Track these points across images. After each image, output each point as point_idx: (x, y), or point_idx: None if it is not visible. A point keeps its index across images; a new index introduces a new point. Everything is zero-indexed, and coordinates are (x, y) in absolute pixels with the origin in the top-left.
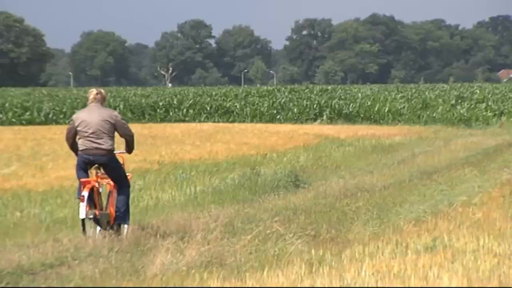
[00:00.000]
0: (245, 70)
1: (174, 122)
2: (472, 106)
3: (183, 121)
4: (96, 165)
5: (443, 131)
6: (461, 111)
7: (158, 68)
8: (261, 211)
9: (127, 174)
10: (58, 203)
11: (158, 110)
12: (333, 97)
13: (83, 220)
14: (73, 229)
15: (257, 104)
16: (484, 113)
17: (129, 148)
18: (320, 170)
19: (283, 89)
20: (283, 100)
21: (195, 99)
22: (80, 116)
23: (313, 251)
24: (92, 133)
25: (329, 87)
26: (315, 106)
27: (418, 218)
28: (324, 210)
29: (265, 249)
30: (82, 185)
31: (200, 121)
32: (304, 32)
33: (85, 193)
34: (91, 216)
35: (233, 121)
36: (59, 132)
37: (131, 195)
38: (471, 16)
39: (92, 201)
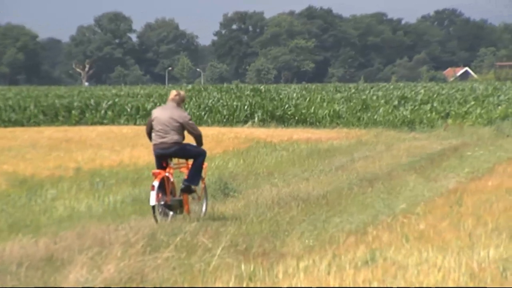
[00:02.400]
0: (170, 68)
1: (90, 125)
2: (416, 107)
3: (101, 123)
4: (168, 157)
5: (385, 135)
6: (404, 113)
7: (74, 66)
8: (187, 222)
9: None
10: None
11: (73, 111)
12: (266, 98)
13: (153, 206)
14: None
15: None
16: (428, 115)
17: (197, 143)
18: (251, 177)
19: (211, 88)
20: (211, 101)
21: (114, 100)
22: (156, 113)
23: (243, 266)
24: (160, 128)
25: (261, 87)
26: (246, 107)
27: (357, 229)
28: (255, 221)
29: (190, 264)
30: (153, 176)
31: (119, 124)
32: (234, 26)
33: (155, 182)
34: (162, 203)
35: None
36: None
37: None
38: (414, 10)
39: (164, 190)
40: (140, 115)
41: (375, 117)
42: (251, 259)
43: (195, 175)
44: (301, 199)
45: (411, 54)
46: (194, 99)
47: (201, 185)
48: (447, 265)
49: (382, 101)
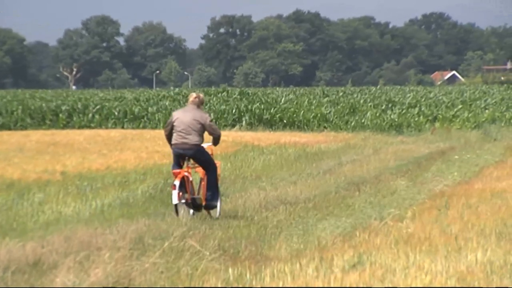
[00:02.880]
0: (157, 71)
1: (78, 129)
2: (403, 111)
3: (88, 127)
4: (186, 157)
5: (373, 138)
6: (392, 116)
7: (61, 69)
8: (174, 225)
9: (216, 162)
10: None
11: (60, 115)
12: (254, 101)
13: (175, 205)
14: None
15: (170, 108)
16: (416, 119)
17: (215, 142)
18: (238, 180)
19: (198, 92)
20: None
21: (101, 103)
22: (177, 114)
23: (230, 270)
24: (182, 129)
25: (249, 90)
26: (233, 110)
27: (345, 232)
28: (243, 225)
29: (177, 267)
30: (174, 175)
31: (107, 128)
32: (222, 30)
33: (177, 182)
34: (183, 201)
35: (144, 127)
36: None
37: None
38: (402, 14)
39: (184, 188)
40: (127, 118)
41: (363, 120)
42: (239, 263)
43: (214, 192)
44: (288, 202)
45: (399, 57)
46: (181, 102)
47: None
48: (434, 268)
49: (370, 104)
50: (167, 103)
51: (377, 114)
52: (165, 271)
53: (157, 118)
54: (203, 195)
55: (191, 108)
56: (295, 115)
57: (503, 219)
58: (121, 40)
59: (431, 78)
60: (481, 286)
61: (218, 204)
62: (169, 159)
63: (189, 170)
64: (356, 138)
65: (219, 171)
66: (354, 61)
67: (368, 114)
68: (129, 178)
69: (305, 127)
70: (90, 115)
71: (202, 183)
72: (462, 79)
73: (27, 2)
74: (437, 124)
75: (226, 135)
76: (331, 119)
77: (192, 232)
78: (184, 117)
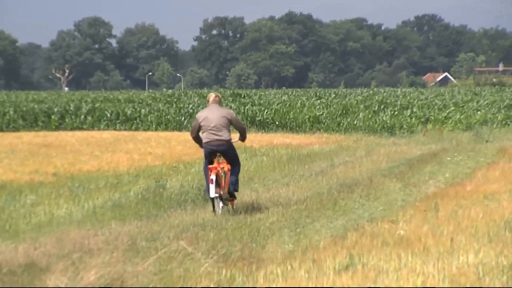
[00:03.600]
0: (150, 73)
1: (70, 130)
2: (396, 112)
3: (81, 128)
4: (218, 153)
5: (365, 140)
6: (384, 118)
7: (53, 71)
8: (167, 227)
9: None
10: None
11: (52, 116)
12: (246, 103)
13: (212, 199)
14: None
15: (163, 110)
16: (408, 120)
17: (242, 137)
18: None
19: (191, 93)
20: (191, 106)
21: (94, 105)
22: (203, 114)
23: (223, 272)
24: (213, 126)
25: (242, 92)
26: None
27: (337, 234)
28: (235, 226)
29: (170, 269)
30: (209, 170)
31: (99, 129)
32: (214, 32)
33: (213, 176)
34: (217, 195)
35: (136, 129)
36: None
37: None
38: (394, 15)
39: (217, 183)
40: (120, 120)
41: (355, 122)
42: (231, 265)
43: (237, 181)
44: (281, 204)
45: (391, 59)
46: (174, 104)
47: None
48: (426, 270)
49: (362, 106)
50: (160, 105)
51: (370, 116)
52: (158, 272)
53: (149, 119)
54: (227, 186)
55: (215, 106)
56: (287, 117)
57: (495, 221)
58: (113, 42)
59: (423, 79)
60: (474, 287)
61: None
62: (162, 161)
63: (221, 166)
64: (348, 139)
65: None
66: (347, 62)
67: (361, 115)
68: (122, 180)
69: (298, 128)
70: (82, 116)
71: (227, 178)
72: (454, 81)
73: (20, 4)
74: (429, 126)
75: None
76: (323, 121)
77: (185, 234)
78: (211, 115)
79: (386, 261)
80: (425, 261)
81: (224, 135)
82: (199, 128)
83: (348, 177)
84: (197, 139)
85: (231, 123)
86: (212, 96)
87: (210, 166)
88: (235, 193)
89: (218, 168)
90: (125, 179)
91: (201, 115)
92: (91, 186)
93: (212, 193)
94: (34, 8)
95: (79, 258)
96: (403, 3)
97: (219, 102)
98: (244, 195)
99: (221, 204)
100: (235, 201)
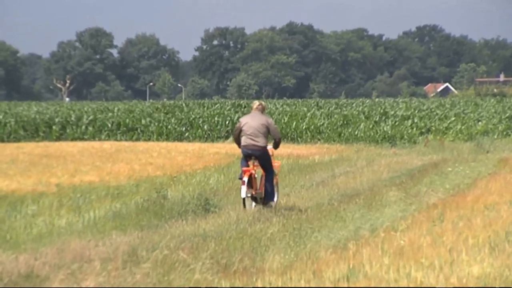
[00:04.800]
0: (151, 83)
1: (71, 140)
2: (397, 123)
3: (82, 139)
4: (253, 157)
5: (366, 150)
6: (385, 129)
7: (54, 81)
8: (167, 237)
9: (275, 162)
10: None
11: (53, 127)
12: (247, 113)
13: (243, 199)
14: None
15: (164, 120)
16: (409, 131)
17: (276, 145)
18: (232, 192)
19: (192, 104)
20: (192, 117)
21: (95, 115)
22: (245, 120)
23: (223, 282)
24: (252, 133)
25: (242, 102)
26: (227, 122)
27: (338, 244)
28: (236, 237)
29: (170, 280)
30: (243, 172)
31: (100, 139)
32: (215, 42)
33: (245, 178)
34: (249, 195)
35: (137, 139)
36: None
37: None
38: (395, 26)
39: (250, 184)
40: (121, 130)
41: (356, 132)
42: (231, 275)
43: (272, 192)
44: (281, 214)
45: (392, 69)
46: (174, 114)
47: (274, 180)
48: (427, 281)
49: (363, 116)
50: (160, 115)
51: (371, 126)
52: (158, 282)
53: (150, 130)
54: (261, 190)
55: (257, 114)
56: (288, 127)
57: (496, 232)
58: (114, 52)
59: (424, 90)
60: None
61: (275, 197)
62: (163, 171)
63: (255, 168)
64: (349, 150)
65: (278, 169)
66: (347, 73)
67: (362, 126)
68: (122, 190)
69: (299, 139)
70: (83, 127)
71: (262, 180)
72: (455, 91)
73: (21, 15)
74: (430, 136)
75: (220, 147)
76: (324, 131)
77: (185, 244)
78: (252, 122)
79: (387, 271)
80: (426, 272)
81: (260, 142)
82: (240, 131)
83: (349, 187)
84: (237, 141)
85: (269, 131)
86: (256, 104)
87: (244, 168)
88: (275, 199)
89: (251, 171)
90: (126, 189)
91: (243, 120)
92: (92, 196)
93: (243, 193)
94: (35, 19)
95: (79, 268)
96: (404, 14)
97: (262, 110)
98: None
99: (253, 203)
100: (276, 201)
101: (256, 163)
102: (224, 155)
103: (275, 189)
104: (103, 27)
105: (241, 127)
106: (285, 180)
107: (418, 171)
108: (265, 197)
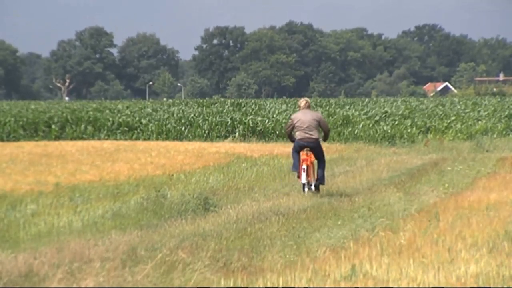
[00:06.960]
0: (150, 82)
1: (70, 140)
2: (396, 122)
3: (81, 138)
4: (306, 148)
5: (365, 149)
6: (385, 128)
7: (54, 80)
8: (167, 237)
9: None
10: None
11: (53, 126)
12: (247, 113)
13: (303, 184)
14: None
15: (163, 119)
16: (409, 130)
17: (325, 137)
18: (231, 192)
19: (191, 103)
20: (191, 116)
21: (94, 115)
22: (297, 116)
23: (222, 281)
24: (306, 127)
25: (242, 101)
26: (227, 122)
27: (338, 244)
28: (235, 236)
29: (170, 279)
30: (302, 161)
31: (99, 139)
32: (215, 41)
33: (305, 166)
34: (307, 181)
35: (137, 139)
36: None
37: None
38: (395, 25)
39: (307, 172)
40: (120, 129)
41: (356, 132)
42: (231, 274)
43: (323, 176)
44: (281, 214)
45: (391, 69)
46: (174, 113)
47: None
48: (426, 280)
49: (363, 116)
50: (159, 115)
51: (370, 126)
52: (158, 282)
53: (150, 129)
54: (315, 176)
55: (307, 110)
56: None
57: (495, 231)
58: (114, 51)
59: (423, 89)
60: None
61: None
62: (162, 170)
63: (311, 159)
64: (348, 149)
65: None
66: (347, 72)
67: (361, 125)
68: (122, 190)
69: None
70: (83, 126)
71: (314, 168)
72: (455, 91)
73: (20, 14)
74: (429, 136)
75: (219, 146)
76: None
77: (185, 244)
78: (304, 117)
79: (386, 271)
80: (426, 271)
81: (314, 135)
82: (293, 127)
83: (349, 186)
84: (290, 136)
85: (319, 125)
86: (303, 102)
87: (302, 158)
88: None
89: (309, 160)
90: (125, 188)
91: (295, 116)
92: (91, 195)
93: (304, 179)
94: (34, 18)
95: (79, 267)
96: (404, 13)
97: (309, 107)
98: (244, 205)
99: (307, 189)
100: (321, 188)
101: (309, 153)
102: (224, 154)
103: (324, 175)
104: (103, 26)
105: (294, 124)
106: (284, 179)
107: (418, 170)
108: (317, 180)
